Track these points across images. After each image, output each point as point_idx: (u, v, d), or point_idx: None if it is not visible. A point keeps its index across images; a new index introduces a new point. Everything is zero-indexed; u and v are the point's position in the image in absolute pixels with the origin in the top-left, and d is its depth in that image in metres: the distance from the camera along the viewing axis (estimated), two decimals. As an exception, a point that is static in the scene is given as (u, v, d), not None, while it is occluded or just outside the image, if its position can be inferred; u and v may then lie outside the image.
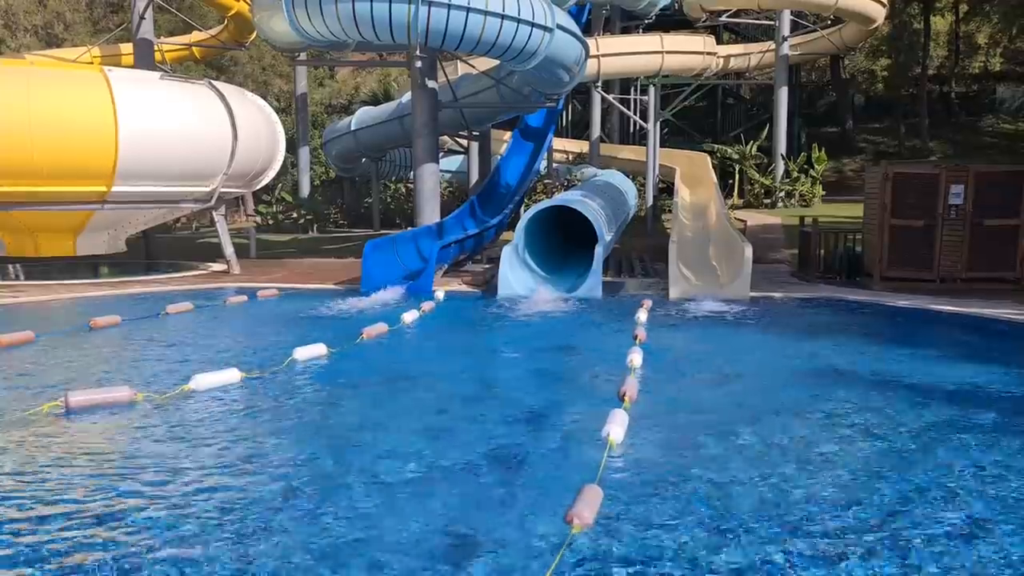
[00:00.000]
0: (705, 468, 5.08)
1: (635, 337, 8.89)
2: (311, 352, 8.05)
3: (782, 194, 26.86)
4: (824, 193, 27.30)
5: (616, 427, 5.30)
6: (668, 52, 25.59)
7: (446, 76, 19.92)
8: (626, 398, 6.25)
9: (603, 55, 24.30)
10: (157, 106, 14.16)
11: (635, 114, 30.00)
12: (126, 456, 5.35)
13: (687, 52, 26.47)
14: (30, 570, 3.70)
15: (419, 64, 16.82)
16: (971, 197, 12.82)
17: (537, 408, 6.49)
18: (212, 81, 16.09)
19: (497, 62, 18.34)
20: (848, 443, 5.65)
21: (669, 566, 3.76)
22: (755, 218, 23.22)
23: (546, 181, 24.51)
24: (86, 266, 17.39)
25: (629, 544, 3.97)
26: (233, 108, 15.09)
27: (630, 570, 3.71)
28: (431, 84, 17.25)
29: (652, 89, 23.57)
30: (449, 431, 5.83)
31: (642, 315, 10.32)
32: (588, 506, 4.00)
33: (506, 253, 13.53)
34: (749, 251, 12.69)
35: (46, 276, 14.97)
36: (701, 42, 27.27)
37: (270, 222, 26.75)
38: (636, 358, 7.58)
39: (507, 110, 20.99)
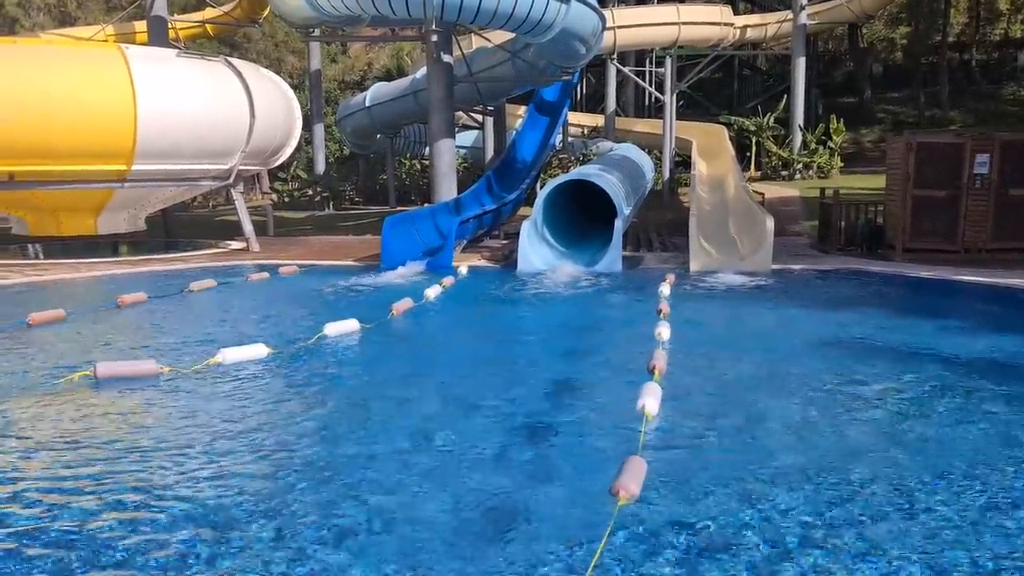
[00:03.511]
0: (739, 437, 5.12)
1: (660, 311, 8.88)
2: (342, 328, 8.07)
3: (799, 166, 26.66)
4: (842, 164, 27.06)
5: (650, 399, 5.32)
6: (684, 23, 25.32)
7: (461, 50, 19.78)
8: (656, 371, 6.27)
9: (619, 27, 24.07)
10: (175, 84, 14.16)
11: (650, 86, 29.73)
12: (159, 424, 5.42)
13: (704, 23, 26.18)
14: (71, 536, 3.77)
15: (435, 38, 16.71)
16: (996, 166, 12.67)
17: (570, 381, 6.52)
18: (228, 58, 16.03)
19: (512, 35, 18.22)
20: (890, 416, 5.64)
21: (713, 533, 3.79)
22: (773, 190, 23.05)
23: (561, 156, 24.37)
24: (105, 245, 17.50)
25: (674, 513, 3.99)
26: (250, 85, 15.07)
27: (677, 540, 3.74)
28: (446, 58, 17.15)
29: (668, 60, 23.37)
30: (484, 405, 5.85)
31: (665, 289, 10.31)
32: (633, 478, 4.03)
33: (525, 228, 13.51)
34: (770, 223, 12.62)
35: (66, 255, 15.07)
36: (718, 12, 26.97)
37: (286, 199, 26.78)
38: (664, 331, 7.58)
39: (523, 84, 20.84)
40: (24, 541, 3.76)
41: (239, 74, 15.10)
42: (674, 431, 5.19)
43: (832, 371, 6.68)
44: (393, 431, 5.30)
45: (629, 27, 24.71)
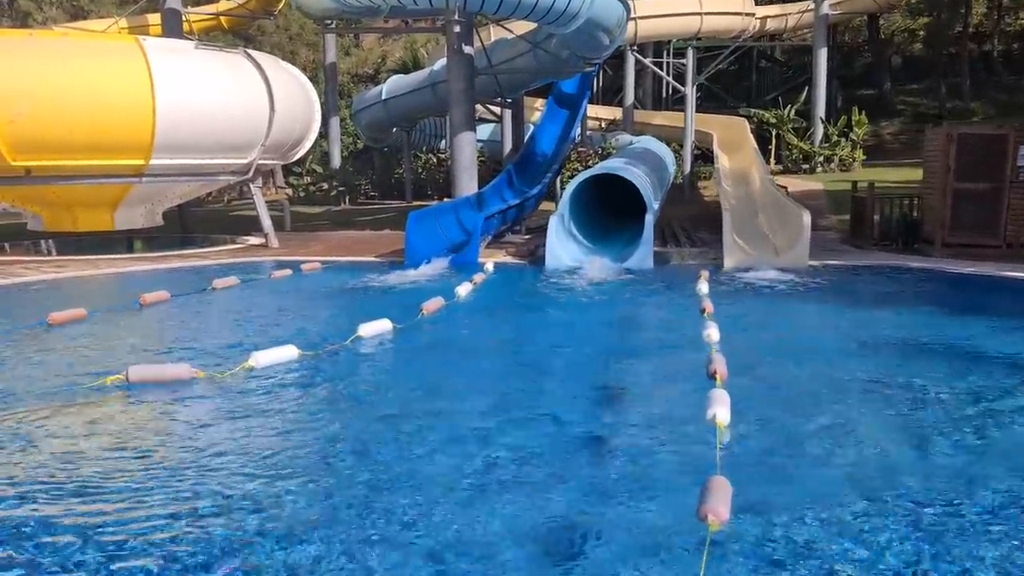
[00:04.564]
0: (825, 448, 4.80)
1: (703, 310, 8.53)
2: (376, 328, 7.75)
3: (821, 159, 26.19)
4: (864, 157, 26.60)
5: (721, 408, 4.96)
6: (707, 13, 24.89)
7: (481, 41, 19.42)
8: (717, 376, 5.91)
9: (640, 17, 23.64)
10: (194, 77, 13.84)
11: (667, 77, 29.29)
12: (195, 430, 5.12)
13: (726, 13, 25.73)
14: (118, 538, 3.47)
15: (456, 29, 16.38)
16: (1041, 159, 12.27)
17: (624, 387, 6.21)
18: (247, 50, 15.71)
19: (534, 26, 17.85)
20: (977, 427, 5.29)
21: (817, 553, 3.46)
22: (795, 184, 22.62)
23: (580, 149, 23.98)
24: (119, 240, 17.24)
25: (767, 532, 3.66)
26: (269, 78, 14.75)
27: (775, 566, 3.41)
28: (467, 50, 16.80)
29: (690, 51, 22.95)
30: (536, 413, 5.52)
31: (703, 286, 9.96)
32: (721, 500, 3.68)
33: (553, 224, 13.18)
34: (807, 218, 12.26)
35: (79, 251, 14.76)
36: (740, 2, 26.50)
37: (301, 194, 26.47)
38: (713, 332, 7.22)
39: (544, 75, 20.46)
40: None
41: (258, 66, 14.78)
42: (750, 443, 4.85)
43: (899, 375, 6.34)
44: (438, 444, 4.96)
45: (651, 17, 24.29)
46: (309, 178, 27.07)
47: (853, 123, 26.51)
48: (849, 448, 4.83)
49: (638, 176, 14.07)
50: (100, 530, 3.77)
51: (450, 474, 4.46)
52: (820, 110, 26.62)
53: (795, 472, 4.47)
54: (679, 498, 4.02)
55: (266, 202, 16.91)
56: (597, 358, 7.21)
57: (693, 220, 19.22)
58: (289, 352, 7.02)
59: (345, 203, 25.94)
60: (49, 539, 3.69)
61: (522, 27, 19.52)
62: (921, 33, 37.50)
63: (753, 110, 28.57)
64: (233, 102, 14.18)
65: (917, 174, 20.45)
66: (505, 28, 20.15)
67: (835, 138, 26.16)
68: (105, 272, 12.76)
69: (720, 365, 6.08)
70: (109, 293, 11.00)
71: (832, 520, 3.82)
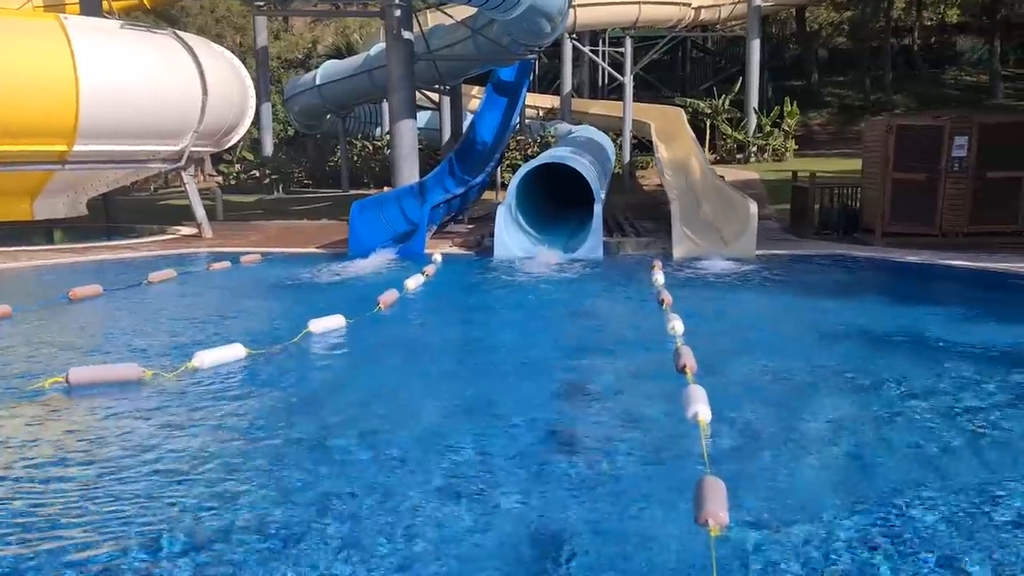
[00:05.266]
0: (813, 440, 4.75)
1: (661, 301, 8.46)
2: (327, 324, 7.40)
3: (754, 149, 26.62)
4: (796, 147, 27.14)
5: (701, 405, 4.83)
6: (645, 2, 24.92)
7: (420, 27, 19.00)
8: (687, 369, 5.80)
9: (579, 4, 23.52)
10: (120, 58, 13.11)
11: (606, 66, 29.31)
12: (140, 436, 4.74)
13: (664, 3, 25.83)
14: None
15: (397, 13, 15.97)
16: (974, 149, 12.59)
17: (592, 383, 6.02)
18: (176, 32, 14.97)
19: (474, 11, 17.54)
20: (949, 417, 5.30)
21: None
22: (731, 173, 22.87)
23: (519, 138, 23.78)
24: (39, 231, 16.32)
25: (770, 541, 3.54)
26: (201, 60, 14.09)
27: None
28: (407, 35, 16.41)
29: (628, 41, 22.96)
30: (503, 412, 5.30)
31: (659, 277, 9.90)
32: (718, 503, 3.54)
33: (501, 213, 12.96)
34: (754, 208, 12.35)
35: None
36: (676, -8, 26.65)
37: (232, 182, 25.60)
38: (677, 325, 7.13)
39: (485, 62, 20.17)
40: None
41: (189, 48, 14.10)
42: (734, 441, 4.73)
43: (867, 365, 6.36)
44: (405, 444, 4.70)
45: (590, 5, 24.20)
46: (240, 166, 26.20)
47: (785, 114, 27.01)
48: (836, 440, 4.77)
49: (585, 166, 13.95)
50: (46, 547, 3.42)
51: (415, 480, 4.21)
52: (754, 100, 27.02)
53: (785, 468, 4.36)
54: (669, 499, 3.88)
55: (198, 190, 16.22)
56: (561, 352, 7.02)
57: (634, 209, 19.24)
58: (235, 351, 6.63)
59: (278, 192, 25.20)
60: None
61: (462, 12, 19.18)
62: (846, 27, 38.50)
63: (688, 100, 28.84)
64: (163, 85, 13.50)
65: (848, 164, 21.03)
66: (445, 13, 19.78)
67: (768, 128, 26.61)
68: (26, 265, 12.01)
69: (689, 358, 5.96)
70: (34, 288, 10.34)
71: (828, 518, 3.73)
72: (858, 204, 14.29)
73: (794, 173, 16.03)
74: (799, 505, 3.87)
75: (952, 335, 7.22)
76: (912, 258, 11.55)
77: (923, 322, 7.79)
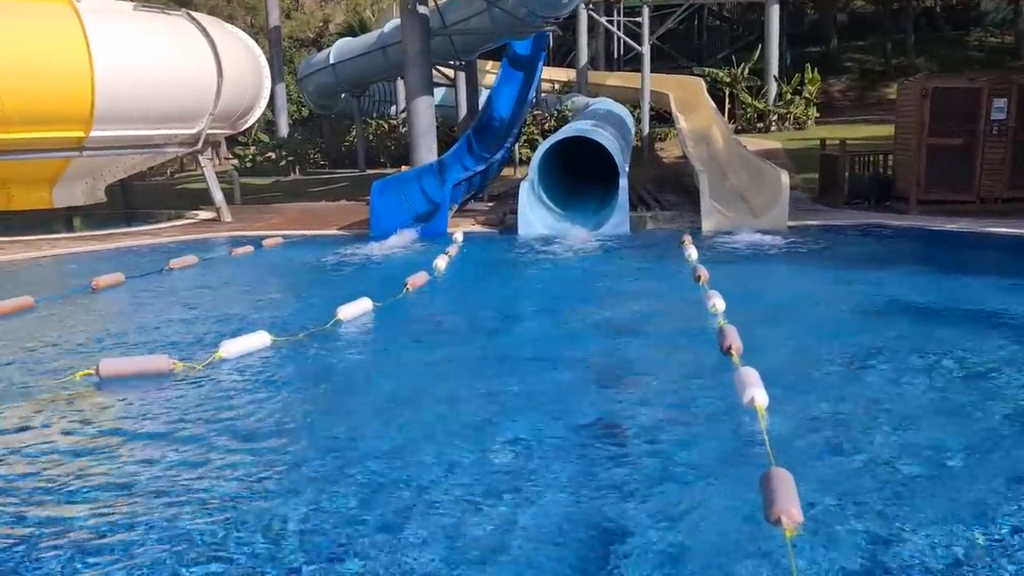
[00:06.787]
0: (879, 423, 4.49)
1: (698, 277, 8.21)
2: (356, 309, 7.17)
3: (775, 117, 26.12)
4: (817, 115, 26.61)
5: (757, 389, 4.59)
6: (662, -31, 24.31)
7: (435, 1, 18.64)
8: (733, 350, 5.55)
9: (595, -27, 23.01)
10: (134, 40, 12.91)
11: (622, 35, 28.76)
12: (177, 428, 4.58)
13: (681, -32, 25.20)
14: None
15: (412, -13, 15.63)
16: (1014, 111, 12.18)
17: (636, 367, 5.80)
18: (190, 12, 14.72)
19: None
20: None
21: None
22: (753, 143, 22.41)
23: (536, 113, 23.40)
24: (56, 218, 16.20)
25: (853, 539, 3.32)
26: (216, 41, 13.86)
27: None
28: (422, 10, 16.08)
29: (645, 9, 22.47)
30: (547, 401, 5.07)
31: (692, 252, 9.64)
32: (790, 498, 3.30)
33: (524, 190, 12.70)
34: (785, 178, 12.01)
35: (10, 231, 13.69)
36: (694, -43, 26.00)
37: (248, 164, 25.40)
38: (718, 302, 6.88)
39: (501, 36, 19.76)
40: None
41: (203, 29, 13.87)
42: (795, 427, 4.48)
43: (925, 340, 6.07)
44: (452, 437, 4.50)
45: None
46: (255, 148, 26.00)
47: (806, 81, 26.45)
48: (901, 425, 4.52)
49: (608, 139, 13.64)
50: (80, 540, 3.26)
51: (460, 469, 4.04)
52: (773, 68, 26.48)
53: (855, 457, 4.12)
54: (733, 492, 3.67)
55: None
56: (601, 334, 6.74)
57: (655, 182, 18.91)
58: (261, 339, 6.44)
59: (295, 173, 24.99)
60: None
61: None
62: (866, -10, 37.62)
63: (707, 69, 28.31)
64: (178, 68, 13.30)
65: (871, 130, 20.56)
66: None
67: (788, 96, 26.08)
68: (48, 254, 11.89)
69: (734, 338, 5.71)
70: (57, 277, 10.21)
71: (927, 507, 3.51)
72: (890, 171, 13.91)
73: (823, 141, 15.62)
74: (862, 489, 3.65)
75: (1011, 306, 6.93)
76: (951, 226, 11.21)
77: (978, 294, 7.50)
